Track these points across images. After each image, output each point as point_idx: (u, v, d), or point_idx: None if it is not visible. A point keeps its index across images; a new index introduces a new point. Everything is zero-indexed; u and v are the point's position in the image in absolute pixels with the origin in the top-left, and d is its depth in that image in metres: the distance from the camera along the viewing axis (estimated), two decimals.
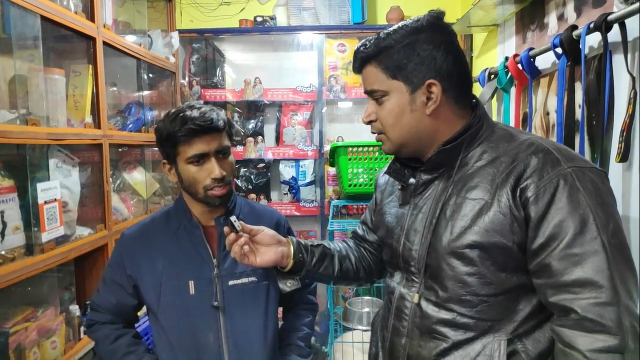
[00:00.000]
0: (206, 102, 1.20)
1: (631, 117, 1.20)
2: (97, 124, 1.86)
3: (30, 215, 1.45)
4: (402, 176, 1.05)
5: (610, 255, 0.80)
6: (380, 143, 1.04)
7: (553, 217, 0.82)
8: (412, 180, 1.03)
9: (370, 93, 0.99)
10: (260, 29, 2.91)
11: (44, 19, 1.51)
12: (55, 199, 1.54)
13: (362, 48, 0.97)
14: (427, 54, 0.91)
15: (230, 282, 1.27)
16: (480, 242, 0.88)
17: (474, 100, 1.00)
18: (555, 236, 0.82)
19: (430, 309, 0.95)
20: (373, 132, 1.03)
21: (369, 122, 1.01)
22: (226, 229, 1.07)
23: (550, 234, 0.83)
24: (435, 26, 0.94)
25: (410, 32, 0.93)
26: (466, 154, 0.95)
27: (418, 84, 0.93)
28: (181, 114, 1.19)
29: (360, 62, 0.98)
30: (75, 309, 1.73)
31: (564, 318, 0.82)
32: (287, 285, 1.13)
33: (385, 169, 1.12)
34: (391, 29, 0.95)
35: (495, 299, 0.89)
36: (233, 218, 1.07)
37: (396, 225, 1.05)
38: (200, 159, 1.20)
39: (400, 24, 0.95)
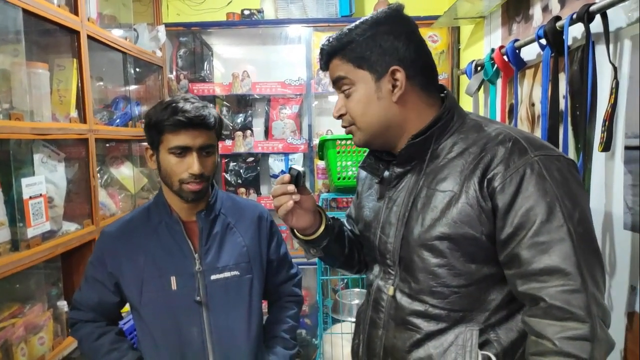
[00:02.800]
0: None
1: (613, 106, 1.22)
2: (83, 119, 1.85)
3: (15, 211, 1.44)
4: (377, 170, 1.06)
5: (576, 243, 0.80)
6: None
7: (520, 206, 0.83)
8: (386, 173, 1.04)
9: (336, 81, 0.99)
10: (247, 22, 2.89)
11: (25, 12, 1.49)
12: (41, 194, 1.52)
13: (326, 44, 0.99)
14: (389, 44, 0.93)
15: (213, 277, 1.26)
16: (449, 234, 0.88)
17: (445, 92, 1.01)
18: (523, 225, 0.83)
19: (404, 300, 0.96)
20: (344, 126, 1.03)
21: (340, 117, 1.02)
22: (287, 177, 1.01)
23: (517, 223, 0.83)
24: (394, 17, 0.96)
25: (371, 25, 0.95)
26: (437, 145, 0.96)
27: (382, 72, 0.94)
28: (173, 104, 1.19)
29: (326, 57, 1.00)
30: (63, 304, 1.72)
31: (533, 308, 0.83)
32: (311, 253, 1.11)
33: (360, 163, 1.13)
34: (352, 25, 0.97)
35: (466, 289, 0.90)
36: (302, 170, 1.02)
37: (373, 219, 1.06)
38: (182, 151, 1.19)
39: (361, 19, 0.98)
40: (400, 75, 0.93)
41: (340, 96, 1.00)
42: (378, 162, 1.06)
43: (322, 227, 1.07)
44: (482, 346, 0.89)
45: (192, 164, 1.19)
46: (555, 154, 0.87)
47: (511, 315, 0.91)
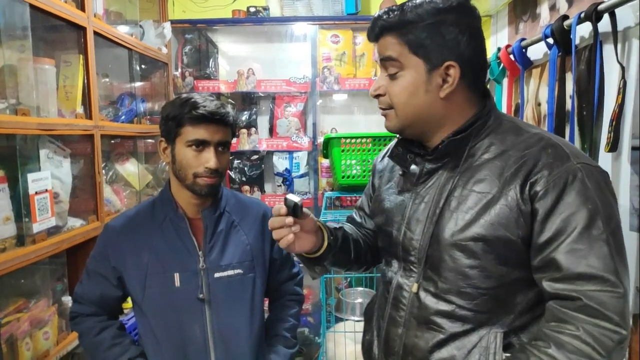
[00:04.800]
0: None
1: (620, 106, 1.21)
2: (89, 115, 1.85)
3: (21, 206, 1.44)
4: (405, 161, 1.02)
5: (614, 252, 0.80)
6: (373, 134, 1.03)
7: (561, 211, 0.82)
8: (413, 167, 1.01)
9: (385, 60, 0.93)
10: (253, 20, 2.89)
11: (33, 7, 1.50)
12: (47, 190, 1.53)
13: (384, 16, 0.92)
14: (452, 36, 0.88)
15: (216, 275, 1.26)
16: (485, 236, 0.87)
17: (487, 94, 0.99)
18: (563, 230, 0.82)
19: (428, 299, 0.94)
20: (380, 107, 0.99)
21: (377, 96, 0.97)
22: (284, 209, 0.95)
23: (557, 228, 0.82)
24: (464, 8, 0.90)
25: (439, 10, 0.88)
26: (473, 144, 0.93)
27: (437, 64, 0.89)
28: (192, 100, 1.20)
29: (379, 29, 0.93)
30: (67, 300, 1.73)
31: (567, 302, 0.82)
32: (316, 272, 1.09)
33: (383, 153, 1.10)
34: (418, 1, 0.90)
35: (494, 292, 0.89)
36: (299, 200, 0.94)
37: (396, 213, 1.03)
38: (200, 145, 1.20)
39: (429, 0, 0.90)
40: (454, 72, 0.89)
41: (383, 75, 0.95)
42: (407, 154, 1.02)
43: (325, 244, 1.04)
44: (505, 349, 0.88)
45: (210, 159, 1.20)
46: (594, 165, 0.87)
47: (534, 319, 0.90)
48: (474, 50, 0.90)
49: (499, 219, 0.86)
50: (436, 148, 0.95)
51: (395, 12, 0.91)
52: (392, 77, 0.93)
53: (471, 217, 0.89)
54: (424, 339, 0.94)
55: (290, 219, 0.94)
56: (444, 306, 0.92)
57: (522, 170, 0.86)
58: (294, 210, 0.94)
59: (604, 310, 0.78)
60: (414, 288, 0.97)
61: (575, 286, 0.80)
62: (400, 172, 1.05)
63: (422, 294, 0.95)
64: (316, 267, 1.08)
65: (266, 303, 1.43)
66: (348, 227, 1.19)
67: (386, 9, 0.93)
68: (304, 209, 0.98)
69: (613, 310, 0.78)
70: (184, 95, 1.24)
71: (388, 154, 1.08)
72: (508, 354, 0.88)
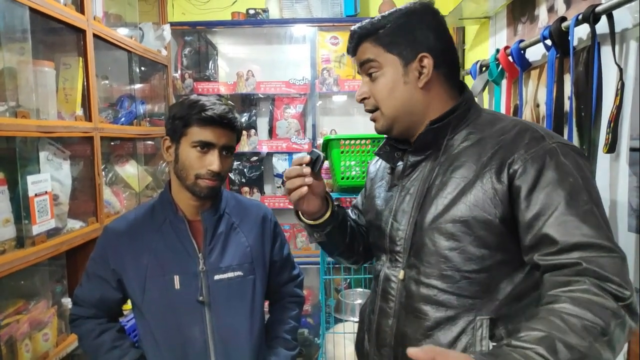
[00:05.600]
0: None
1: (618, 108, 1.21)
2: (88, 117, 1.85)
3: (21, 208, 1.44)
4: (392, 158, 1.07)
5: (601, 221, 0.81)
6: (372, 136, 1.06)
7: (544, 185, 0.84)
8: (400, 163, 1.06)
9: (364, 64, 1.01)
10: (252, 22, 2.89)
11: (32, 10, 1.50)
12: (46, 192, 1.53)
13: (358, 28, 1.02)
14: (420, 32, 0.97)
15: (216, 277, 1.26)
16: (463, 217, 0.90)
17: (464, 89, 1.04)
18: (549, 204, 0.82)
19: (413, 286, 0.97)
20: (367, 110, 1.05)
21: (362, 100, 1.04)
22: (307, 158, 1.00)
23: (543, 203, 0.83)
24: (428, 9, 1.00)
25: (405, 13, 0.99)
26: (452, 135, 0.98)
27: (411, 58, 0.97)
28: (201, 102, 1.21)
29: (356, 39, 1.02)
30: (67, 301, 1.73)
31: (565, 270, 0.79)
32: (315, 237, 1.12)
33: (376, 151, 1.13)
34: (385, 12, 1.01)
35: (477, 275, 0.90)
36: (323, 155, 1.01)
37: (385, 208, 1.07)
38: (205, 147, 1.20)
39: (394, 8, 1.01)
40: (427, 62, 0.96)
41: (365, 80, 1.03)
42: (394, 151, 1.07)
43: (329, 213, 1.08)
44: (491, 338, 0.89)
45: (214, 161, 1.20)
46: (571, 144, 0.90)
47: (521, 309, 0.91)
48: (444, 45, 0.99)
49: (475, 200, 0.89)
50: (417, 138, 1.00)
51: (368, 22, 1.01)
52: (373, 78, 1.01)
53: (449, 200, 0.92)
54: (412, 328, 0.96)
55: (308, 169, 1.00)
56: (426, 291, 0.94)
57: (499, 153, 0.90)
58: (315, 163, 1.00)
59: (604, 273, 0.76)
60: (401, 275, 0.99)
61: (573, 254, 0.78)
62: (389, 170, 1.10)
63: (407, 281, 0.98)
64: (315, 232, 1.11)
65: (266, 305, 1.43)
66: (349, 213, 1.23)
67: (358, 23, 1.02)
68: (320, 174, 1.03)
69: (613, 272, 0.76)
70: (193, 97, 1.25)
71: (376, 151, 1.12)
72: (495, 343, 0.88)
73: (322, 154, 1.01)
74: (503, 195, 0.87)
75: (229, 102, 3.02)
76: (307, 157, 1.01)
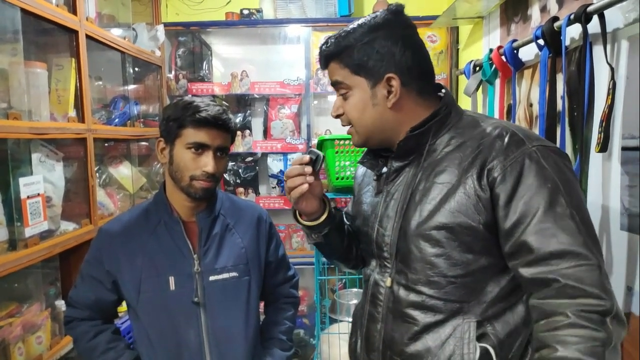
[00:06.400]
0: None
1: (610, 107, 1.22)
2: (81, 118, 1.85)
3: (13, 210, 1.43)
4: (376, 166, 1.08)
5: (581, 227, 0.82)
6: None
7: (522, 194, 0.85)
8: (385, 169, 1.06)
9: (335, 84, 1.02)
10: (246, 22, 2.89)
11: (24, 11, 1.49)
12: (39, 194, 1.52)
13: (324, 47, 1.01)
14: (386, 50, 0.95)
15: (211, 278, 1.26)
16: (447, 224, 0.90)
17: (443, 90, 1.03)
18: (527, 212, 0.84)
19: (401, 292, 0.97)
20: (343, 125, 1.06)
21: (337, 116, 1.05)
22: (307, 158, 1.02)
23: (521, 211, 0.84)
24: (392, 22, 0.97)
25: (369, 29, 0.96)
26: (434, 140, 0.98)
27: (378, 79, 0.96)
28: (195, 103, 1.21)
29: (324, 59, 1.02)
30: (61, 304, 1.72)
31: (544, 290, 0.82)
32: (313, 238, 1.12)
33: (359, 159, 1.14)
34: (351, 26, 0.98)
35: (462, 280, 0.91)
36: (322, 153, 1.03)
37: (371, 214, 1.07)
38: (200, 148, 1.20)
39: (360, 21, 0.98)
40: (395, 83, 0.95)
41: (339, 97, 1.03)
42: (377, 158, 1.08)
43: (326, 214, 1.08)
44: (479, 339, 0.90)
45: (208, 163, 1.20)
46: (551, 146, 0.90)
47: (508, 308, 0.92)
48: (411, 58, 0.96)
49: (459, 207, 0.89)
50: (398, 146, 1.00)
51: (333, 41, 0.99)
52: (344, 97, 1.01)
53: (433, 206, 0.92)
54: (400, 332, 0.96)
55: (309, 168, 1.01)
56: (414, 297, 0.95)
57: (479, 158, 0.90)
58: (315, 162, 1.01)
59: (582, 286, 0.78)
60: (388, 282, 1.00)
61: (550, 267, 0.81)
62: (374, 177, 1.09)
63: (395, 288, 0.98)
64: (314, 233, 1.11)
65: (261, 306, 1.43)
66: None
67: (325, 39, 1.01)
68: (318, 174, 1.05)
69: (590, 283, 0.78)
70: (187, 98, 1.25)
71: (359, 160, 1.12)
72: (482, 344, 0.89)
73: (321, 154, 1.02)
74: (486, 202, 0.88)
75: (224, 102, 3.02)
76: (307, 157, 1.02)
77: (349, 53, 0.96)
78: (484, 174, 0.88)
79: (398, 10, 0.98)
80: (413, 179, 0.98)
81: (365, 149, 1.10)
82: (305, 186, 1.00)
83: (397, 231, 0.97)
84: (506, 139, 0.89)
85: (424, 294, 0.94)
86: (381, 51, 0.95)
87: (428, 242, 0.92)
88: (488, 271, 0.91)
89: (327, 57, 1.01)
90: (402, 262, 0.97)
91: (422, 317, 0.94)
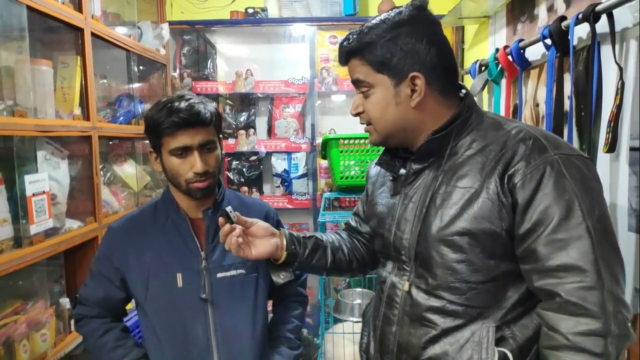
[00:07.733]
0: (198, 95, 1.20)
1: (618, 107, 1.21)
2: (86, 116, 1.85)
3: (18, 208, 1.44)
4: (393, 167, 1.06)
5: (595, 240, 0.81)
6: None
7: (539, 202, 0.84)
8: (402, 171, 1.04)
9: (356, 82, 1.00)
10: (251, 21, 2.89)
11: (30, 9, 1.49)
12: (44, 191, 1.53)
13: (345, 43, 0.98)
14: (410, 47, 0.92)
15: (219, 275, 1.26)
16: (469, 229, 0.89)
17: (463, 91, 1.01)
18: (541, 222, 0.83)
19: (420, 296, 0.96)
20: (362, 123, 1.04)
21: (357, 114, 1.02)
22: (221, 219, 1.07)
23: (536, 220, 0.84)
24: (417, 18, 0.94)
25: (392, 26, 0.93)
26: (455, 142, 0.96)
27: (402, 78, 0.93)
28: (169, 104, 1.18)
29: (344, 55, 1.00)
30: (65, 301, 1.73)
31: (549, 301, 0.84)
32: (281, 278, 1.14)
33: (376, 160, 1.13)
34: (373, 22, 0.96)
35: (483, 286, 0.90)
36: (229, 208, 1.06)
37: (387, 216, 1.05)
38: (183, 152, 1.19)
39: (383, 16, 0.96)
40: (419, 82, 0.93)
41: (359, 95, 1.01)
42: (394, 159, 1.06)
43: (284, 256, 1.11)
44: (497, 342, 0.89)
45: (195, 163, 1.19)
46: (575, 153, 0.88)
47: (527, 312, 0.91)
48: (435, 56, 0.93)
49: (482, 212, 0.88)
50: (419, 149, 0.98)
51: (355, 37, 0.96)
52: (365, 95, 0.98)
53: (455, 212, 0.91)
54: (417, 336, 0.95)
55: (227, 226, 1.06)
56: (435, 302, 0.94)
57: (501, 163, 0.88)
58: (228, 217, 1.06)
59: (582, 304, 0.79)
60: (406, 286, 0.99)
61: (555, 279, 0.82)
62: (391, 178, 1.08)
63: (414, 291, 0.97)
64: (280, 273, 1.14)
65: (270, 304, 1.43)
66: (333, 237, 1.22)
67: (347, 35, 0.99)
68: (254, 219, 1.12)
69: (592, 302, 0.79)
70: (162, 101, 1.21)
71: (377, 161, 1.11)
72: (500, 349, 0.88)
73: (227, 209, 1.07)
74: (509, 208, 0.87)
75: (228, 101, 3.02)
76: (221, 219, 1.06)
77: (371, 50, 0.94)
78: (505, 179, 0.87)
79: (422, 6, 0.96)
80: (433, 182, 0.96)
81: (370, 149, 1.09)
82: (234, 239, 1.05)
83: (416, 235, 0.96)
84: (529, 145, 0.87)
85: (444, 299, 0.93)
86: (405, 48, 0.92)
87: (450, 247, 0.91)
88: (509, 277, 0.91)
89: (348, 54, 0.98)
90: (422, 266, 0.96)
91: (442, 322, 0.93)
